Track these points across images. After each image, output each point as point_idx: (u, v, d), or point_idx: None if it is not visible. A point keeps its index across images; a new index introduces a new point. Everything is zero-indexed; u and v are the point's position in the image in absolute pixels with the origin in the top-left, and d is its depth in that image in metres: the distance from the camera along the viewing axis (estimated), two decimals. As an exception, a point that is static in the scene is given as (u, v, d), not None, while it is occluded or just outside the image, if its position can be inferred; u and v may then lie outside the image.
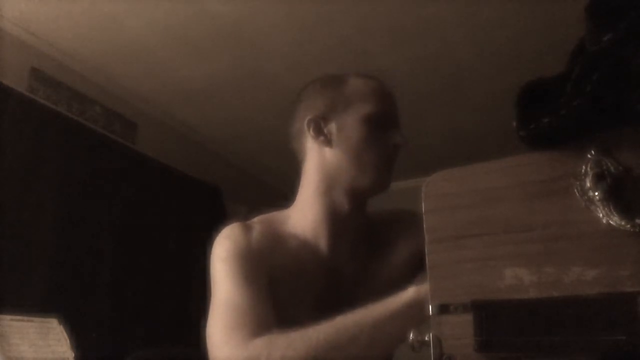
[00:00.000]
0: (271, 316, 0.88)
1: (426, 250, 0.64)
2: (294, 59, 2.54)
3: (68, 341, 1.74)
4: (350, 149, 0.99)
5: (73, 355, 1.71)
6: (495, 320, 0.58)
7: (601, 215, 0.56)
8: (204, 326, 0.90)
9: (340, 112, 1.01)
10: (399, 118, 1.05)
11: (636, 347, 0.51)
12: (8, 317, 1.66)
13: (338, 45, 2.44)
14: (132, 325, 2.46)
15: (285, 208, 1.08)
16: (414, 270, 1.00)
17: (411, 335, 0.63)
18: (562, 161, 0.59)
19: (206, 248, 1.00)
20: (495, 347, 0.57)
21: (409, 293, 0.77)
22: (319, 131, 1.01)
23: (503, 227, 0.61)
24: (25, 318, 1.70)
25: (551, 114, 0.58)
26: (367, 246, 1.05)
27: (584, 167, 0.58)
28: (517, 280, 0.58)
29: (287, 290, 0.95)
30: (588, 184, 0.57)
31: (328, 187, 1.00)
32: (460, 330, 0.59)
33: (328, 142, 1.01)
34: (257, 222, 1.03)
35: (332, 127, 1.01)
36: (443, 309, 0.61)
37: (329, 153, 1.01)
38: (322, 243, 1.01)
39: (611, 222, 0.55)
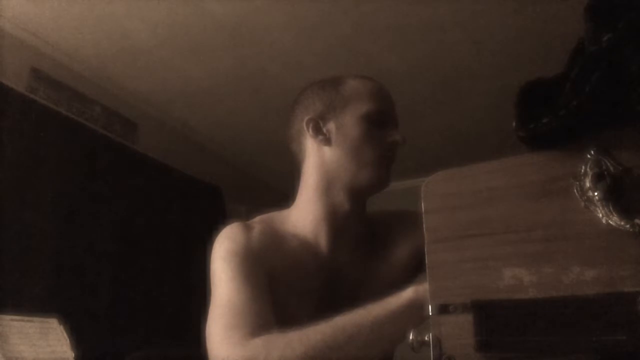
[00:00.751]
0: (270, 316, 0.88)
1: (426, 250, 0.64)
2: (294, 59, 2.54)
3: (68, 341, 1.74)
4: (349, 147, 0.99)
5: (73, 355, 1.71)
6: (495, 320, 0.58)
7: (601, 215, 0.56)
8: (204, 326, 0.90)
9: (338, 111, 1.01)
10: (397, 117, 1.06)
11: (636, 347, 0.51)
12: (8, 317, 1.66)
13: (338, 45, 2.44)
14: (132, 325, 2.46)
15: (285, 208, 1.08)
16: (414, 270, 1.01)
17: (411, 335, 0.63)
18: (562, 161, 0.59)
19: (206, 248, 1.00)
20: (495, 347, 0.57)
21: (408, 293, 0.77)
22: (318, 130, 1.02)
23: (503, 227, 0.61)
24: (25, 318, 1.70)
25: (551, 114, 0.58)
26: (367, 246, 1.05)
27: (583, 167, 0.58)
28: (517, 280, 0.58)
29: (287, 290, 0.95)
30: (587, 184, 0.57)
31: (328, 186, 1.01)
32: (460, 330, 0.59)
33: (327, 141, 1.01)
34: (257, 221, 1.03)
35: (331, 126, 1.01)
36: (443, 309, 0.61)
37: (328, 152, 1.01)
38: (322, 242, 1.01)
39: (611, 222, 0.55)
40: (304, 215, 1.02)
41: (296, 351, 0.78)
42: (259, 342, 0.81)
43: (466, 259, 0.61)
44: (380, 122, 1.01)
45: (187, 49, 2.48)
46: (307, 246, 1.00)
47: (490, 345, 0.57)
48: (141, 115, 2.91)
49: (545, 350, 0.55)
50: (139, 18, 2.27)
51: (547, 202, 0.59)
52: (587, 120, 0.58)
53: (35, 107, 2.30)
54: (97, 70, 2.62)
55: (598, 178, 0.56)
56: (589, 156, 0.58)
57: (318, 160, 1.02)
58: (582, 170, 0.58)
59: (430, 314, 0.61)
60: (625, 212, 0.54)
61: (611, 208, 0.55)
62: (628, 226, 0.54)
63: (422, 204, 0.66)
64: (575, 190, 0.58)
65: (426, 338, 0.61)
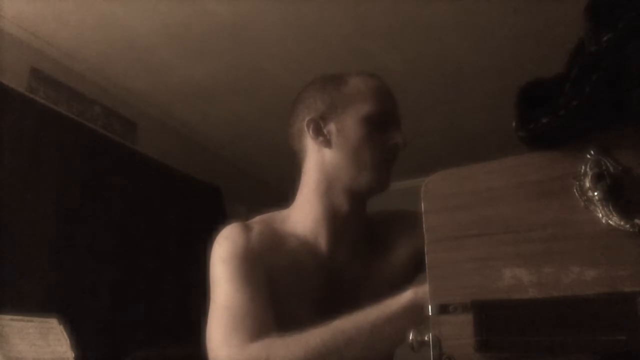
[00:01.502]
0: (270, 318, 0.88)
1: (426, 250, 0.64)
2: (294, 59, 2.54)
3: (68, 341, 1.74)
4: (349, 150, 0.99)
5: (73, 355, 1.71)
6: (495, 320, 0.58)
7: (601, 215, 0.56)
8: (204, 326, 0.90)
9: (339, 112, 1.01)
10: (399, 117, 1.05)
11: (636, 347, 0.51)
12: (8, 317, 1.66)
13: (338, 45, 2.44)
14: (132, 325, 2.45)
15: (285, 208, 1.08)
16: (414, 270, 1.01)
17: (411, 335, 0.63)
18: (562, 161, 0.59)
19: (206, 248, 1.00)
20: (495, 347, 0.57)
21: (407, 295, 0.77)
22: (318, 132, 1.01)
23: (503, 227, 0.61)
24: (25, 318, 1.70)
25: (550, 114, 0.58)
26: (367, 246, 1.05)
27: (583, 167, 0.58)
28: (517, 280, 0.58)
29: (286, 290, 0.95)
30: (587, 184, 0.57)
31: (328, 187, 1.01)
32: (460, 330, 0.59)
33: (327, 142, 1.01)
34: (257, 221, 1.03)
35: (332, 127, 1.01)
36: (443, 309, 0.61)
37: (329, 153, 1.01)
38: (322, 243, 1.01)
39: (610, 222, 0.55)
40: (303, 216, 1.02)
41: (296, 355, 0.78)
42: (258, 346, 0.81)
43: (466, 259, 0.61)
44: (381, 124, 1.00)
45: (187, 49, 2.48)
46: (307, 246, 1.00)
47: (490, 345, 0.57)
48: (141, 115, 2.91)
49: (545, 350, 0.55)
50: (139, 18, 2.27)
51: (547, 202, 0.59)
52: (587, 120, 0.58)
53: (35, 107, 2.29)
54: (97, 70, 2.62)
55: (598, 178, 0.56)
56: (588, 156, 0.58)
57: (318, 161, 1.02)
58: (582, 170, 0.58)
59: (430, 313, 0.61)
60: (625, 212, 0.54)
61: (611, 208, 0.55)
62: (628, 226, 0.54)
63: (422, 204, 0.66)
64: (575, 190, 0.58)
65: (426, 338, 0.61)
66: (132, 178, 2.67)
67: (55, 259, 2.21)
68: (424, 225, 0.65)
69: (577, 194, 0.57)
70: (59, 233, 2.25)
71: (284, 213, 1.06)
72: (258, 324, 0.85)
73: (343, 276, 1.00)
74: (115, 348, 2.16)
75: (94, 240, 2.41)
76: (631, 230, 0.54)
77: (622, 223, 0.54)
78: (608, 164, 0.56)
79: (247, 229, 0.98)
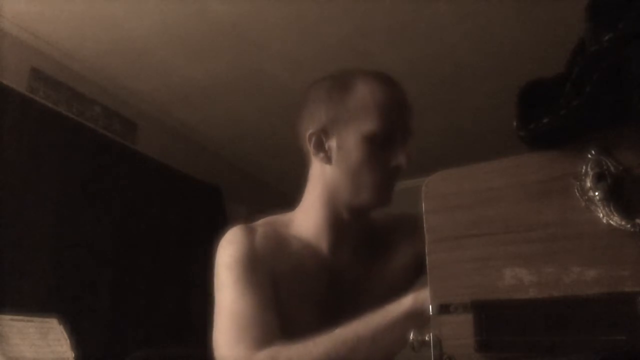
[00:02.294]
0: (275, 323, 0.88)
1: (426, 250, 0.64)
2: (294, 59, 2.54)
3: (68, 341, 1.74)
4: (349, 170, 0.96)
5: (73, 355, 1.71)
6: (495, 320, 0.58)
7: (601, 215, 0.56)
8: (204, 326, 0.91)
9: (341, 127, 0.97)
10: (408, 129, 1.00)
11: (636, 347, 0.51)
12: (8, 317, 1.66)
13: (338, 45, 2.44)
14: (132, 325, 2.45)
15: (285, 208, 1.08)
16: (416, 273, 1.01)
17: (411, 335, 0.63)
18: (562, 161, 0.59)
19: (206, 248, 1.00)
20: (495, 347, 0.57)
21: (408, 301, 0.78)
22: (319, 147, 0.99)
23: (503, 227, 0.61)
24: (25, 318, 1.70)
25: (551, 114, 0.58)
26: (369, 249, 1.05)
27: (584, 167, 0.58)
28: (517, 280, 0.58)
29: (288, 291, 0.95)
30: (588, 184, 0.57)
31: (329, 199, 1.00)
32: (460, 330, 0.59)
33: (328, 159, 0.99)
34: (261, 224, 1.03)
35: (333, 143, 0.98)
36: (443, 309, 0.61)
37: (329, 170, 0.99)
38: (324, 246, 1.01)
39: (611, 222, 0.55)
40: (307, 220, 1.02)
41: None
42: (263, 356, 0.82)
43: (466, 259, 0.61)
44: (385, 142, 0.96)
45: (187, 49, 2.48)
46: (309, 249, 1.00)
47: (490, 345, 0.57)
48: (141, 115, 2.91)
49: (545, 350, 0.55)
50: (139, 18, 2.27)
51: (548, 202, 0.59)
52: (588, 120, 0.57)
53: (35, 107, 2.30)
54: (97, 70, 2.62)
55: (599, 178, 0.56)
56: (589, 156, 0.58)
57: (320, 175, 1.01)
58: (583, 170, 0.58)
59: (431, 313, 0.61)
60: (625, 212, 0.54)
61: (612, 208, 0.55)
62: (629, 226, 0.54)
63: (423, 204, 0.66)
64: (575, 190, 0.58)
65: (426, 338, 0.61)
66: (132, 178, 2.67)
67: (55, 259, 2.21)
68: (424, 226, 0.65)
69: (577, 194, 0.57)
70: (59, 233, 2.25)
71: (288, 216, 1.06)
72: (263, 330, 0.86)
73: (345, 279, 1.00)
74: (115, 348, 2.16)
75: (94, 240, 2.41)
76: (632, 230, 0.53)
77: (622, 223, 0.54)
78: (609, 164, 0.56)
79: (251, 232, 0.98)
